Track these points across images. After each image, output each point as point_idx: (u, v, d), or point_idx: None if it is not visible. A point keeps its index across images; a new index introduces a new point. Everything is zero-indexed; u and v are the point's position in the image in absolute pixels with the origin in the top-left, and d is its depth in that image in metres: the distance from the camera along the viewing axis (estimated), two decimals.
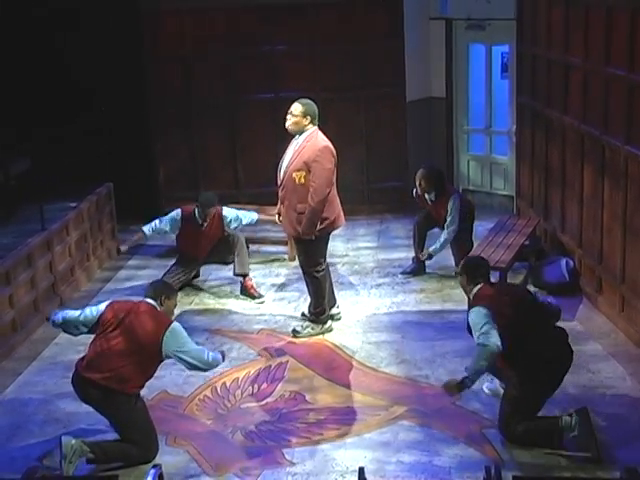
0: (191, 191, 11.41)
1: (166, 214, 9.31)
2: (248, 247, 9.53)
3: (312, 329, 7.99)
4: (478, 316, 5.87)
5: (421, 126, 11.95)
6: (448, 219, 9.06)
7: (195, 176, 11.64)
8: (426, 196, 9.23)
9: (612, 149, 7.85)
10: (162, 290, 6.20)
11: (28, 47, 11.19)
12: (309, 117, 7.61)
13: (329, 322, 8.10)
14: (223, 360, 6.23)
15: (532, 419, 6.02)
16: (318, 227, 7.62)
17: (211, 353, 6.07)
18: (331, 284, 8.26)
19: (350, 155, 11.61)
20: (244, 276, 8.97)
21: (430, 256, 9.16)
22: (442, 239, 9.09)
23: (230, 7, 11.22)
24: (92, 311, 6.11)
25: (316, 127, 7.69)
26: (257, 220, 9.24)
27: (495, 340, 5.73)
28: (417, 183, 9.20)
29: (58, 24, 11.26)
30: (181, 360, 5.95)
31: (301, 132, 7.64)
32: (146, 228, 9.17)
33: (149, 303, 6.07)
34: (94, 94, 11.20)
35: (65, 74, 11.27)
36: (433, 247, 9.11)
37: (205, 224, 8.96)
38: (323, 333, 8.00)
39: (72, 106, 11.05)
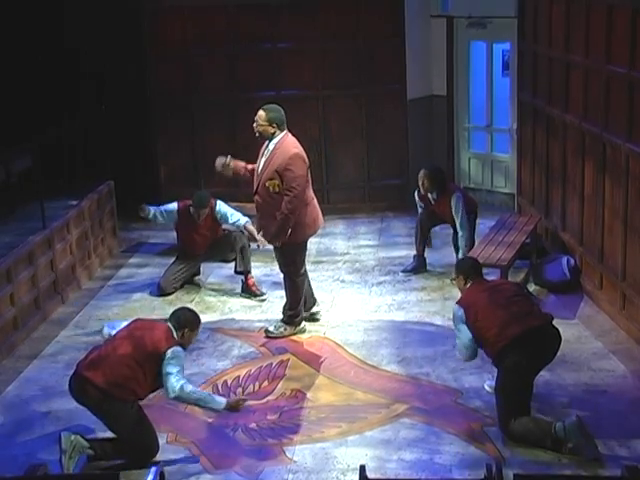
0: (192, 189, 11.38)
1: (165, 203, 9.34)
2: (249, 245, 9.54)
3: (285, 329, 7.98)
4: (454, 317, 6.37)
5: (422, 124, 11.94)
6: (457, 221, 9.02)
7: (196, 174, 11.64)
8: (429, 195, 9.24)
9: (613, 147, 7.85)
10: (187, 322, 6.12)
11: (28, 46, 11.19)
12: (275, 124, 7.56)
13: (303, 323, 8.08)
14: (221, 407, 6.00)
15: (529, 417, 6.03)
16: (298, 234, 7.61)
17: (194, 390, 5.94)
18: (309, 285, 8.26)
19: (351, 153, 11.64)
20: (246, 274, 8.96)
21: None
22: (463, 244, 8.98)
23: (231, 5, 11.22)
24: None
25: (285, 132, 7.64)
26: (244, 224, 8.98)
27: (463, 338, 6.27)
28: (420, 183, 9.21)
29: (60, 22, 11.28)
30: (163, 373, 5.87)
31: (270, 138, 7.62)
32: (151, 208, 9.17)
33: (168, 327, 6.06)
34: (95, 92, 11.19)
35: (66, 72, 11.28)
36: (461, 253, 8.93)
37: (199, 220, 9.01)
38: (295, 334, 7.99)
39: (73, 104, 11.05)
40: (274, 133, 7.59)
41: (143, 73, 11.37)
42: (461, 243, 9.03)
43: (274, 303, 8.70)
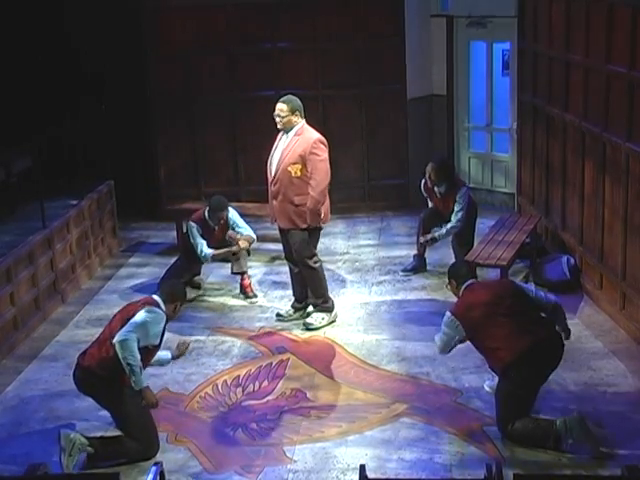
0: (192, 189, 11.44)
1: (178, 226, 9.48)
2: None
3: (323, 319, 8.08)
4: (446, 324, 6.26)
5: (422, 124, 11.94)
6: (456, 208, 9.01)
7: (196, 174, 11.64)
8: (435, 189, 9.19)
9: (613, 146, 7.85)
10: (179, 296, 6.22)
11: (28, 46, 11.19)
12: (297, 112, 7.72)
13: (335, 310, 8.19)
14: (138, 384, 5.79)
15: (529, 417, 6.02)
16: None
17: (135, 356, 5.70)
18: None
19: (351, 152, 11.63)
20: (242, 274, 8.95)
21: (434, 240, 9.06)
22: (449, 226, 9.01)
23: (231, 5, 11.22)
24: None
25: (304, 121, 7.77)
26: (253, 240, 8.94)
27: (447, 340, 6.28)
28: (427, 176, 9.17)
29: (60, 22, 11.28)
30: (127, 327, 5.82)
31: (289, 129, 7.73)
32: (206, 250, 8.72)
33: (154, 300, 6.07)
34: (95, 92, 11.19)
35: (66, 72, 11.28)
36: (438, 232, 9.05)
37: (217, 227, 8.87)
38: (333, 321, 8.11)
39: (73, 104, 11.04)
40: (296, 121, 7.71)
41: (143, 73, 11.37)
42: (447, 226, 9.00)
43: (274, 302, 8.71)
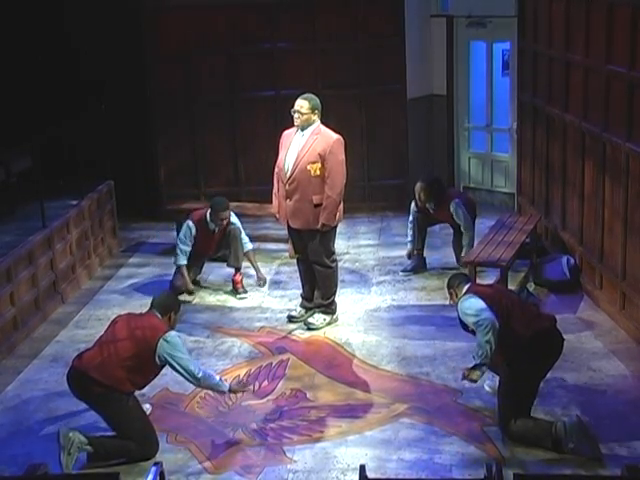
0: (192, 189, 11.45)
1: (178, 225, 9.23)
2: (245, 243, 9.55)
3: (324, 319, 8.07)
4: (468, 303, 6.04)
5: (422, 124, 11.95)
6: (462, 225, 9.08)
7: (196, 174, 11.64)
8: (427, 205, 9.25)
9: (613, 146, 7.85)
10: (172, 306, 6.25)
11: (28, 46, 11.20)
12: (317, 111, 7.69)
13: (337, 312, 8.19)
14: (226, 390, 6.22)
15: (529, 417, 6.02)
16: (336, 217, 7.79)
17: (203, 373, 6.03)
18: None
19: (351, 153, 11.47)
20: (236, 269, 8.95)
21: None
22: (466, 242, 9.05)
23: (231, 5, 11.22)
24: None
25: (319, 121, 7.73)
26: (246, 250, 8.95)
27: (488, 315, 5.89)
28: (417, 196, 9.24)
29: (60, 22, 11.28)
30: (171, 366, 5.97)
31: (305, 127, 7.68)
32: (181, 260, 8.79)
33: (156, 316, 6.10)
34: (95, 92, 11.19)
35: (66, 72, 11.28)
36: (464, 251, 8.99)
37: (217, 229, 8.87)
38: (334, 322, 8.10)
39: (73, 104, 11.04)
40: (314, 120, 7.68)
41: (143, 73, 11.37)
42: (465, 241, 9.10)
43: (274, 302, 8.71)
